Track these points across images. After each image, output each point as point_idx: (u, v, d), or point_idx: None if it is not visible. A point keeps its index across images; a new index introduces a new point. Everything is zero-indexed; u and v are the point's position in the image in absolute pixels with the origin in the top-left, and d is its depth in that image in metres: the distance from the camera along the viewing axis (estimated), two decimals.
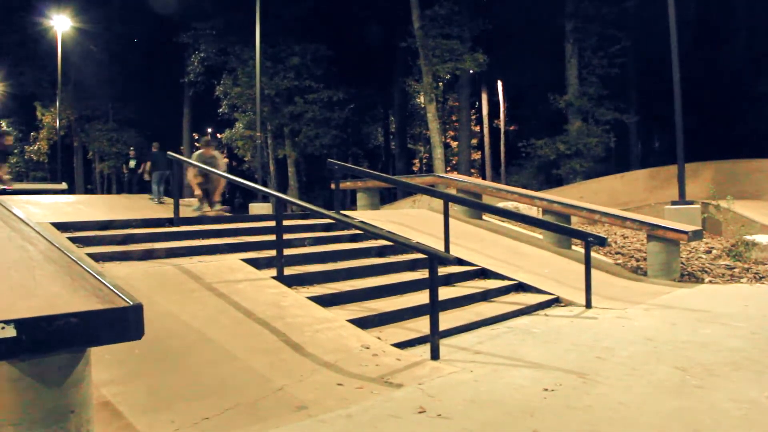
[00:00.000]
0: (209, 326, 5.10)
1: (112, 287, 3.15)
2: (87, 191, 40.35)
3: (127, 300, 3.01)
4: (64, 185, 23.36)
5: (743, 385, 4.44)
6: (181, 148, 38.43)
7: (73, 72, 36.96)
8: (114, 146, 37.93)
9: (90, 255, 6.12)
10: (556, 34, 27.63)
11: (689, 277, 9.68)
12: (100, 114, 39.21)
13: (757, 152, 20.92)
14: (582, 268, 7.75)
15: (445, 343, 5.51)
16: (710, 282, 9.39)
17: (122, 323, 2.96)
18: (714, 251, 11.26)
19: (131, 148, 24.37)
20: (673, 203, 12.90)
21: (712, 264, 10.36)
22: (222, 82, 31.10)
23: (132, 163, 21.98)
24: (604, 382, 4.56)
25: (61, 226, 7.16)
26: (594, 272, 7.88)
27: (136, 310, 2.99)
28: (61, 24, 31.63)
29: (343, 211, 10.71)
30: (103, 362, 4.09)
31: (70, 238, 6.73)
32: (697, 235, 10.01)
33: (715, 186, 15.34)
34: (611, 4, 26.07)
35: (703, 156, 21.34)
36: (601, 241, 8.23)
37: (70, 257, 3.63)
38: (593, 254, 9.24)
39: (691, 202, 12.86)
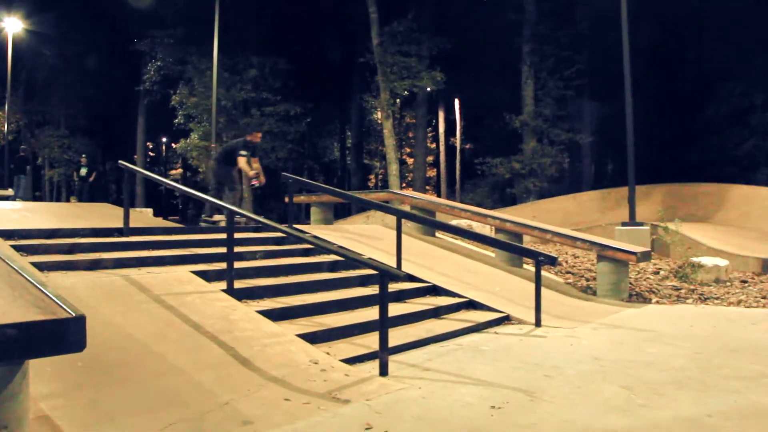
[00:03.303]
0: (156, 339, 5.00)
1: (54, 297, 3.07)
2: (35, 198, 39.43)
3: (69, 311, 2.93)
4: (10, 191, 22.78)
5: (686, 404, 4.52)
6: (135, 156, 37.89)
7: (24, 75, 36.21)
8: (65, 153, 37.13)
9: (34, 264, 5.97)
10: (513, 55, 28.05)
11: (637, 297, 9.85)
12: (52, 119, 38.40)
13: (706, 176, 21.51)
14: (533, 286, 7.82)
15: (394, 360, 5.50)
16: (657, 302, 9.56)
17: (63, 335, 2.87)
18: (662, 272, 11.48)
19: (83, 156, 23.92)
20: (624, 224, 13.16)
21: (659, 285, 10.56)
22: (178, 91, 30.78)
23: (83, 171, 21.67)
24: (551, 401, 4.59)
25: (5, 234, 6.98)
26: (544, 291, 7.96)
27: (78, 322, 2.91)
28: (11, 25, 30.93)
29: (296, 225, 10.64)
30: (43, 375, 3.97)
31: (13, 246, 6.55)
32: (645, 256, 10.20)
33: (665, 208, 15.67)
34: (566, 27, 26.60)
35: (654, 178, 21.84)
36: (552, 261, 8.33)
37: (10, 266, 3.53)
38: (544, 273, 9.34)
39: (641, 224, 13.12)
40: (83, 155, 24.32)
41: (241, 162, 10.67)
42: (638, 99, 14.87)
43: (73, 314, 2.91)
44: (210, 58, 25.11)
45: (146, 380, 4.38)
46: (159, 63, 31.39)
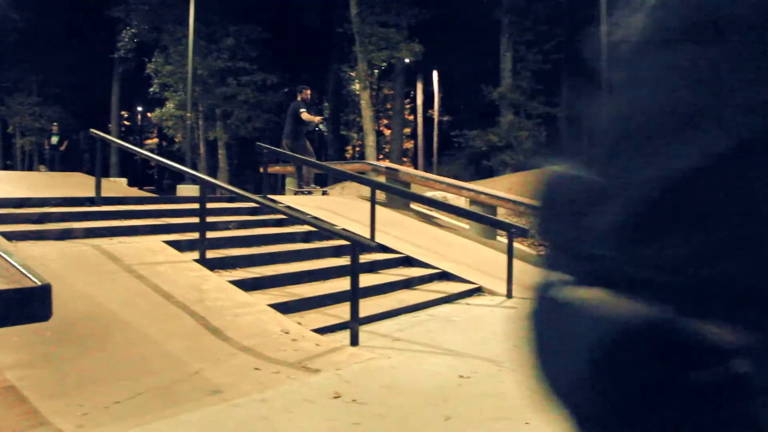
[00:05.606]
0: (126, 309, 4.99)
1: (19, 266, 3.04)
2: (6, 167, 38.84)
3: (35, 280, 2.91)
4: None
5: None
6: (110, 125, 37.40)
7: None
8: (37, 121, 36.45)
9: (2, 234, 5.91)
10: (492, 27, 27.96)
11: None
12: (23, 86, 37.65)
13: None
14: (506, 258, 7.88)
15: (365, 330, 5.54)
16: None
17: (28, 304, 2.85)
18: None
19: (54, 124, 23.54)
20: None
21: None
22: (153, 59, 30.31)
23: (54, 140, 21.38)
24: (519, 371, 4.65)
25: None
26: (517, 263, 8.02)
27: (44, 291, 2.89)
28: None
29: (270, 196, 10.61)
30: (9, 345, 3.96)
31: None
32: None
33: None
34: (545, 0, 26.53)
35: None
36: (524, 233, 8.39)
37: None
38: (517, 245, 9.40)
39: None
40: (54, 123, 23.95)
41: (305, 115, 11.89)
42: None
43: (39, 283, 2.89)
44: (186, 25, 24.73)
45: (116, 350, 4.38)
46: (134, 30, 30.89)
